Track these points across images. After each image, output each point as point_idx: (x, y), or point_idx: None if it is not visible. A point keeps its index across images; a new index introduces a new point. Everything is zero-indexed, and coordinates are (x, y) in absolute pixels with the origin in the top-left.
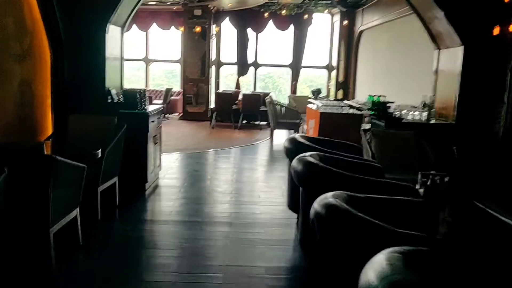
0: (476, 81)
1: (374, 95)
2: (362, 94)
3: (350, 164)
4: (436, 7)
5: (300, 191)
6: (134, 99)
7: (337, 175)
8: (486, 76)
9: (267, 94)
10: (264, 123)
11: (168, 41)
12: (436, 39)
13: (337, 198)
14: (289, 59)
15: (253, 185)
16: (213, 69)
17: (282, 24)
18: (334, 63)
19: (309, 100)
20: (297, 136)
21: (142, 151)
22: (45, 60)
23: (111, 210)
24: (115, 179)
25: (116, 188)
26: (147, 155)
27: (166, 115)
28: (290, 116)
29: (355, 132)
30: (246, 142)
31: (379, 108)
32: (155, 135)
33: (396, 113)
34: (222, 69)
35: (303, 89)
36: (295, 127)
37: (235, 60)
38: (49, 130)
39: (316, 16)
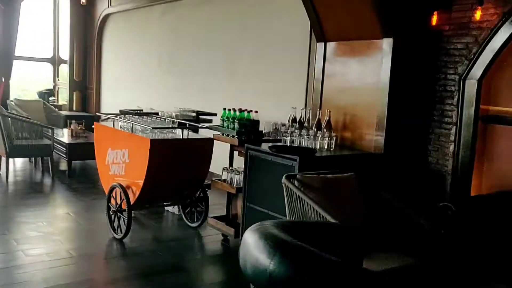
0: (402, 94)
1: (236, 109)
2: (118, 98)
3: None
4: None
5: None
6: None
7: None
8: (417, 86)
9: None
10: None
11: None
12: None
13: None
14: None
15: None
16: None
17: None
18: (65, 55)
19: (104, 114)
20: None
21: None
22: None
23: None
24: None
25: None
26: None
27: None
28: (29, 134)
29: (205, 166)
30: None
31: (251, 130)
32: None
33: (287, 138)
34: None
35: None
36: (46, 153)
37: None
38: None
39: None
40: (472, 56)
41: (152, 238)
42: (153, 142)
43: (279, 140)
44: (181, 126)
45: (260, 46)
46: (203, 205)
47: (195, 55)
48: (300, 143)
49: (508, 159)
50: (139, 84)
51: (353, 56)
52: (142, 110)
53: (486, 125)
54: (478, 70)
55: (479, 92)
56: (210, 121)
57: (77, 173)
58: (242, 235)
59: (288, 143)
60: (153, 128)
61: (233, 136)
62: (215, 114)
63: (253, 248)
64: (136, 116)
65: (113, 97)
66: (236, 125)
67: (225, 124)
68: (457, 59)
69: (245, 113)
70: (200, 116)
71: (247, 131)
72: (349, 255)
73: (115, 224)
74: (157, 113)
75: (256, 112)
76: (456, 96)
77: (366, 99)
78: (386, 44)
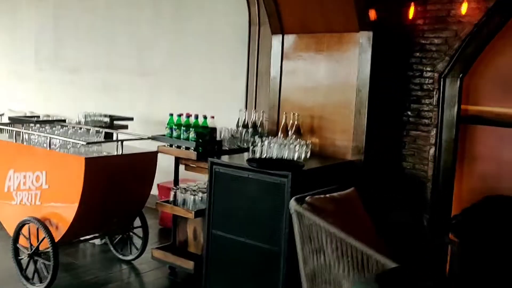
0: (380, 94)
1: (186, 115)
2: None
3: None
4: None
5: None
6: None
7: None
8: (392, 85)
9: None
10: None
11: None
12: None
13: None
14: None
15: None
16: None
17: None
18: None
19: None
20: None
21: None
22: None
23: None
24: None
25: None
26: None
27: None
28: None
29: (147, 187)
30: None
31: (210, 139)
32: None
33: (257, 147)
34: None
35: None
36: None
37: None
38: None
39: None
40: (454, 52)
41: (76, 282)
42: (89, 161)
43: (240, 150)
44: (118, 138)
45: (181, 34)
46: (142, 233)
47: (89, 45)
48: (271, 153)
49: (490, 162)
50: (7, 83)
51: (320, 51)
52: (40, 116)
53: (466, 126)
54: (460, 67)
55: (461, 91)
56: (126, 126)
57: None
58: (205, 269)
59: (257, 155)
60: (88, 143)
61: (187, 148)
62: (132, 119)
63: None
64: (47, 126)
65: None
66: (192, 135)
67: (175, 134)
68: (435, 55)
69: (199, 120)
70: (115, 122)
71: (205, 141)
72: None
73: (30, 272)
74: (63, 120)
75: (212, 117)
76: (436, 96)
77: (339, 100)
78: (365, 38)
